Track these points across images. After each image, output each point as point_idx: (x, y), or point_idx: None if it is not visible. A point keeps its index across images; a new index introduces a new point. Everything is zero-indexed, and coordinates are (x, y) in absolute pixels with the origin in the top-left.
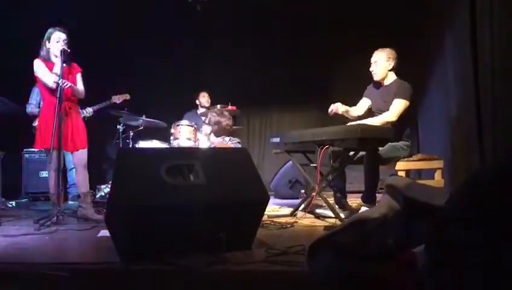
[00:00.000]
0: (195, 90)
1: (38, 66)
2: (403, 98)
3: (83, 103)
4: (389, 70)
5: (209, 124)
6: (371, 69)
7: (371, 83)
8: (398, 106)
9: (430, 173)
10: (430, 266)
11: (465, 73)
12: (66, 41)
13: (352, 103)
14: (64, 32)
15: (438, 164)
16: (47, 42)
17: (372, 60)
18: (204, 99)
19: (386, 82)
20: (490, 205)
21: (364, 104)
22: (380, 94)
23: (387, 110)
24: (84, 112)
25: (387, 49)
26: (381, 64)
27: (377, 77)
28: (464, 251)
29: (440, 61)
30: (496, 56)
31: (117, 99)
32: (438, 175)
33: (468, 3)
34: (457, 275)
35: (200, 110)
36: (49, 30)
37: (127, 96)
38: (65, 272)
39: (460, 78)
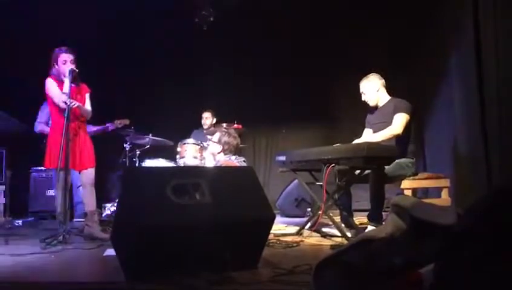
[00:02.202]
0: (202, 109)
1: (50, 84)
2: (403, 112)
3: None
4: (378, 91)
5: (218, 142)
6: (363, 100)
7: (368, 112)
8: (401, 119)
9: (436, 192)
10: (440, 281)
11: (470, 91)
12: (73, 61)
13: (355, 121)
14: (71, 53)
15: (444, 182)
16: (55, 64)
17: (361, 91)
18: (207, 120)
19: (381, 103)
20: (499, 222)
21: (366, 136)
22: (377, 117)
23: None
24: (118, 123)
25: (369, 75)
26: (369, 91)
27: (371, 103)
28: (473, 264)
29: (446, 79)
30: (500, 71)
31: (118, 124)
32: (444, 194)
33: (471, 16)
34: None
35: (206, 129)
36: (56, 51)
37: (127, 122)
38: None
39: (466, 96)
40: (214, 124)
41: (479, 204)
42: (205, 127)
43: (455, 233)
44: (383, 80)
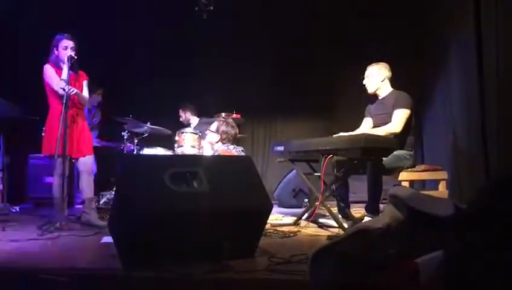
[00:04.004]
0: (198, 97)
1: (48, 71)
2: (403, 108)
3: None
4: (382, 81)
5: (216, 132)
6: (363, 83)
7: (370, 102)
8: (400, 116)
9: (434, 184)
10: (449, 267)
11: (469, 83)
12: (73, 48)
13: (356, 113)
14: (72, 39)
15: (442, 175)
16: (55, 49)
17: (366, 74)
18: (180, 118)
19: (382, 94)
20: (501, 213)
21: (366, 125)
22: (378, 108)
23: (388, 122)
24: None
25: (380, 63)
26: (373, 76)
27: (370, 90)
28: (481, 253)
29: (445, 71)
30: (500, 66)
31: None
32: (442, 186)
33: (472, 14)
34: (476, 275)
35: (193, 123)
36: (57, 37)
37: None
38: (67, 278)
39: (465, 88)
40: (188, 122)
41: (483, 193)
42: (185, 124)
43: (459, 223)
44: (391, 73)
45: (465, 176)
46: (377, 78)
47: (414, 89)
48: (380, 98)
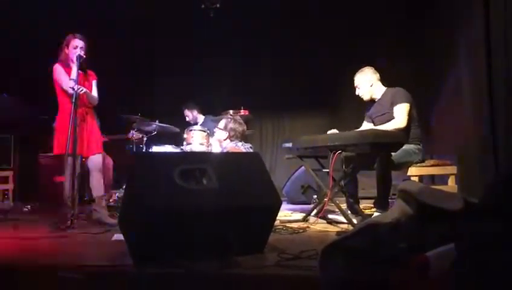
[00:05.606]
0: (206, 95)
1: (57, 70)
2: (403, 102)
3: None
4: (372, 86)
5: (224, 129)
6: (357, 94)
7: (367, 107)
8: (402, 111)
9: (443, 179)
10: (464, 264)
11: (478, 77)
12: (83, 48)
13: (362, 109)
14: (82, 39)
15: (451, 169)
16: (65, 48)
17: (355, 84)
18: (187, 118)
19: (377, 96)
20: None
21: (366, 127)
22: (377, 110)
23: (389, 120)
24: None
25: (364, 69)
26: (363, 85)
27: (365, 98)
28: (495, 249)
29: (453, 63)
30: (510, 59)
31: None
32: (451, 181)
33: (481, 6)
34: (490, 272)
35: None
36: (68, 36)
37: None
38: (79, 275)
39: (474, 82)
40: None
41: (494, 190)
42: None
43: (469, 217)
44: (378, 74)
45: (474, 170)
46: (367, 85)
47: (421, 85)
48: (376, 100)
